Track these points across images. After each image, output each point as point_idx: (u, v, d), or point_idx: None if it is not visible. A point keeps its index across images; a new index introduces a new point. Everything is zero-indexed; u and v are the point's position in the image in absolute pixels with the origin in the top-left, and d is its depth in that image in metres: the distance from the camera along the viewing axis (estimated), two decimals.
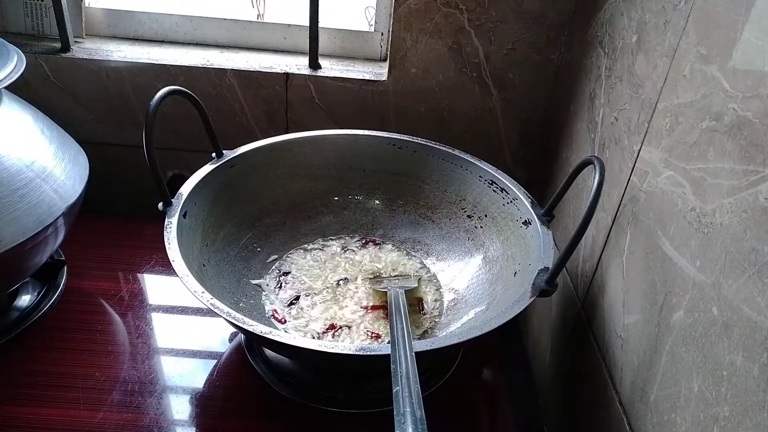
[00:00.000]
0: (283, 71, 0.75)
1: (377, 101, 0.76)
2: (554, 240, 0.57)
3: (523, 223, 0.58)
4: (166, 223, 0.52)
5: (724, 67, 0.38)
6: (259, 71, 0.74)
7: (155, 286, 0.67)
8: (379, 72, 0.77)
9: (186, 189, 0.57)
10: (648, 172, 0.47)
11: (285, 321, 0.58)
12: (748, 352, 0.32)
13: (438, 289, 0.63)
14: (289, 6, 0.84)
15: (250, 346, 0.59)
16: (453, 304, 0.61)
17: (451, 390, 0.57)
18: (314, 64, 0.76)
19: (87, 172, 0.59)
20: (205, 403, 0.54)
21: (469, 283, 0.62)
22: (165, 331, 0.61)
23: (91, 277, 0.67)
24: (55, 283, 0.64)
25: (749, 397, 0.32)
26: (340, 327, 0.57)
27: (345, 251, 0.67)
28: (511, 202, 0.61)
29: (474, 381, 0.60)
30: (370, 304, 0.60)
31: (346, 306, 0.60)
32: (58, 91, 0.75)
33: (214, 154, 0.62)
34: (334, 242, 0.69)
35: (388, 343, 0.56)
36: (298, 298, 0.61)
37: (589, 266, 0.57)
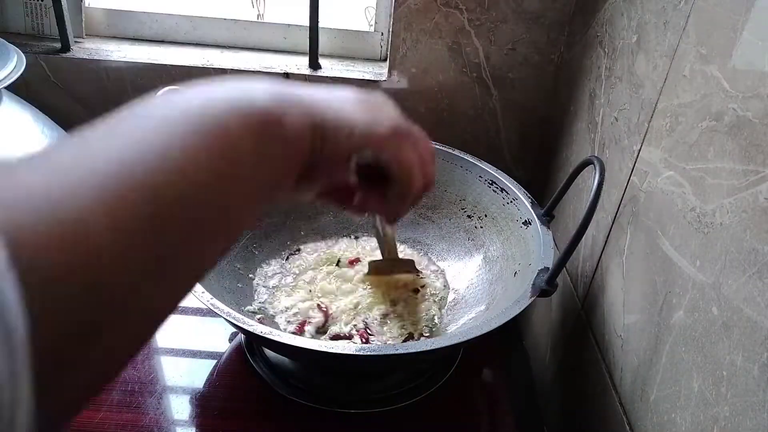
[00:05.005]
0: (283, 71, 0.75)
1: None
2: (554, 240, 0.57)
3: (523, 223, 0.58)
4: None
5: (724, 67, 0.38)
6: (259, 71, 0.74)
7: None
8: (379, 72, 0.77)
9: None
10: (648, 172, 0.47)
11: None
12: (748, 352, 0.32)
13: (443, 283, 0.63)
14: (289, 6, 0.84)
15: (250, 346, 0.59)
16: (453, 304, 0.61)
17: (451, 390, 0.57)
18: (314, 64, 0.76)
19: None
20: (205, 403, 0.54)
21: (469, 283, 0.62)
22: (165, 331, 0.61)
23: None
24: None
25: (749, 397, 0.32)
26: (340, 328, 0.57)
27: (345, 251, 0.67)
28: (511, 202, 0.61)
29: (474, 381, 0.60)
30: (368, 302, 0.60)
31: (346, 306, 0.60)
32: (58, 91, 0.75)
33: None
34: (333, 242, 0.69)
35: (389, 342, 0.56)
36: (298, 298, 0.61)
37: (589, 266, 0.57)
